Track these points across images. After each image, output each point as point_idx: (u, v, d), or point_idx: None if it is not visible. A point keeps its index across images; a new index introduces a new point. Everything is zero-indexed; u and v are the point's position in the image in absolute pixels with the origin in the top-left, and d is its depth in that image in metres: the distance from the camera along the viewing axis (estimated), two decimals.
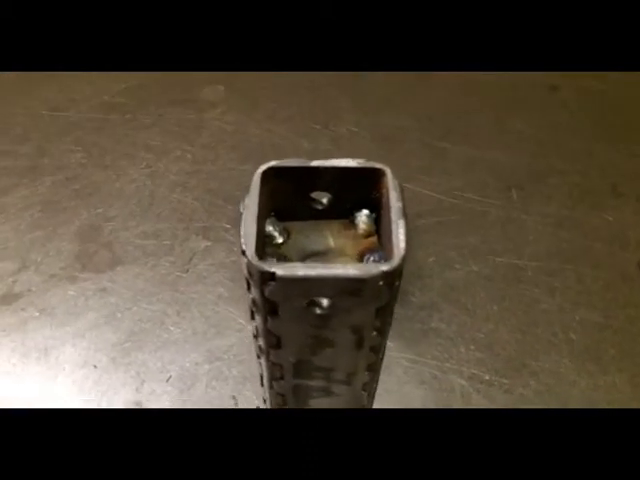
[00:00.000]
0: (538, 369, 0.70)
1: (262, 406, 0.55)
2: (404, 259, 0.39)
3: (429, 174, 0.89)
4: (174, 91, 1.00)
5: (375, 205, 0.48)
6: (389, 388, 0.66)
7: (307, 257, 0.48)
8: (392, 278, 0.40)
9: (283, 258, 0.48)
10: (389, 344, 0.46)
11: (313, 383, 0.48)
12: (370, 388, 0.51)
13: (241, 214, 0.75)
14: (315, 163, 0.46)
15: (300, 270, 0.39)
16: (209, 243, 0.80)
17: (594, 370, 0.70)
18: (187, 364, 0.70)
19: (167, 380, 0.68)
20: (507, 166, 0.90)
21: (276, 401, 0.50)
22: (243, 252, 0.40)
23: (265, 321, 0.44)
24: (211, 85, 1.01)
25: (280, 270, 0.39)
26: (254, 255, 0.40)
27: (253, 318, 0.45)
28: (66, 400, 0.67)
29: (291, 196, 0.48)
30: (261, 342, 0.46)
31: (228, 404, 0.67)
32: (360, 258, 0.47)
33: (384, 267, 0.39)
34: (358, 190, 0.47)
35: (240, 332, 0.71)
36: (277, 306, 0.42)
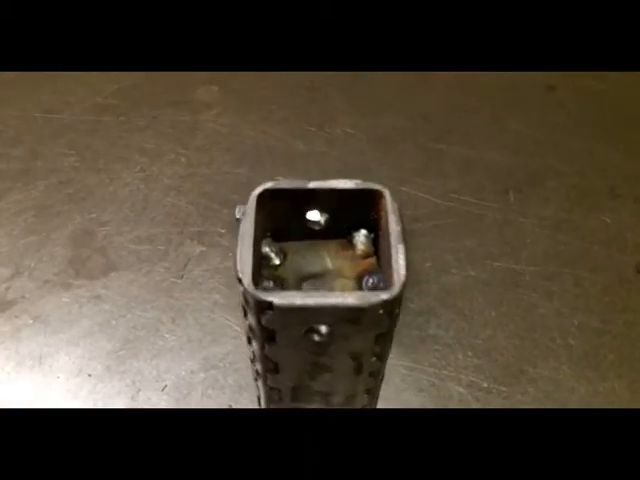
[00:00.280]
0: (536, 376, 0.69)
1: None
2: (404, 286, 0.38)
3: (425, 176, 0.88)
4: (168, 92, 0.99)
5: (373, 225, 0.47)
6: (387, 396, 0.65)
7: (304, 279, 0.47)
8: (392, 306, 0.39)
9: (280, 280, 0.47)
10: None
11: (312, 406, 0.48)
12: (369, 408, 0.51)
13: (237, 219, 0.74)
14: (312, 184, 0.45)
15: (298, 299, 0.38)
16: (204, 248, 0.79)
17: (593, 376, 0.70)
18: (183, 372, 0.69)
19: (163, 389, 0.68)
20: (504, 168, 0.89)
21: None
22: (239, 280, 0.40)
23: (262, 348, 0.43)
24: (205, 86, 1.00)
25: (278, 299, 0.38)
26: (251, 284, 0.39)
27: (250, 343, 0.45)
28: None
29: (288, 216, 0.47)
30: (258, 367, 0.45)
31: None
32: (358, 280, 0.47)
33: (384, 295, 0.38)
34: (356, 211, 0.46)
35: (236, 339, 0.71)
36: (275, 333, 0.42)
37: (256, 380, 0.47)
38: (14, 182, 0.86)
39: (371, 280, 0.46)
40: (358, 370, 0.45)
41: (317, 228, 0.48)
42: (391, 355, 0.60)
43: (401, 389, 0.68)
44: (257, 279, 0.43)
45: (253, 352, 0.45)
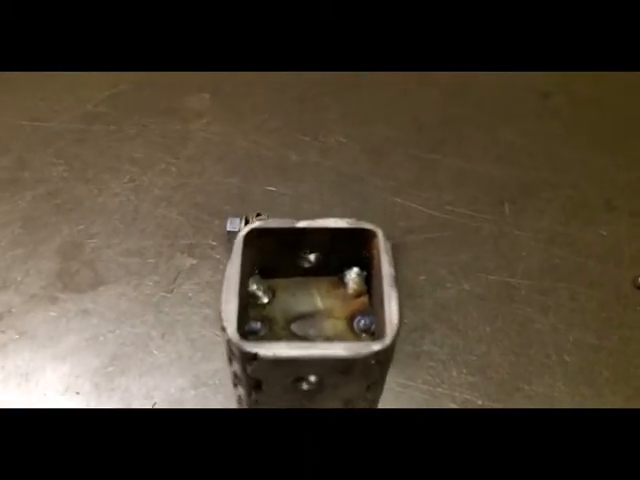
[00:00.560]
0: (532, 393, 0.69)
1: None
2: (397, 334, 0.38)
3: (419, 188, 0.87)
4: (158, 100, 0.98)
5: (366, 262, 0.46)
6: None
7: (293, 319, 0.46)
8: (385, 356, 0.38)
9: (267, 320, 0.46)
10: None
11: None
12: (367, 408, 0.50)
13: (228, 232, 0.73)
14: (302, 224, 0.44)
15: (284, 350, 0.37)
16: (194, 261, 0.78)
17: (588, 393, 0.69)
18: (172, 390, 0.68)
19: (152, 406, 0.67)
20: (499, 179, 0.89)
21: None
22: (223, 329, 0.39)
23: (249, 394, 0.42)
24: (196, 93, 0.99)
25: (263, 350, 0.37)
26: (235, 333, 0.38)
27: (236, 387, 0.44)
28: None
29: (277, 254, 0.46)
30: (245, 406, 0.45)
31: None
32: (350, 321, 0.46)
33: (376, 346, 0.37)
34: (348, 249, 0.45)
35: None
36: (261, 382, 0.41)
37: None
38: (1, 192, 0.85)
39: (363, 321, 0.45)
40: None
41: (307, 265, 0.47)
42: None
43: (394, 407, 0.67)
44: (243, 319, 0.42)
45: (239, 396, 0.44)
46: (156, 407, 0.67)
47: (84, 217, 0.83)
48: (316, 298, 0.47)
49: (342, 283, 0.48)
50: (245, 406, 0.44)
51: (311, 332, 0.45)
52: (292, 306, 0.47)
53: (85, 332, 0.72)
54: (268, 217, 0.73)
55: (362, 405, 0.43)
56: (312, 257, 0.47)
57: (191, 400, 0.67)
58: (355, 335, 0.45)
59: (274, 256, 0.46)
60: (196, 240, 0.80)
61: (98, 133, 0.93)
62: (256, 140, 0.93)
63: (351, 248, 0.45)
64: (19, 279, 0.76)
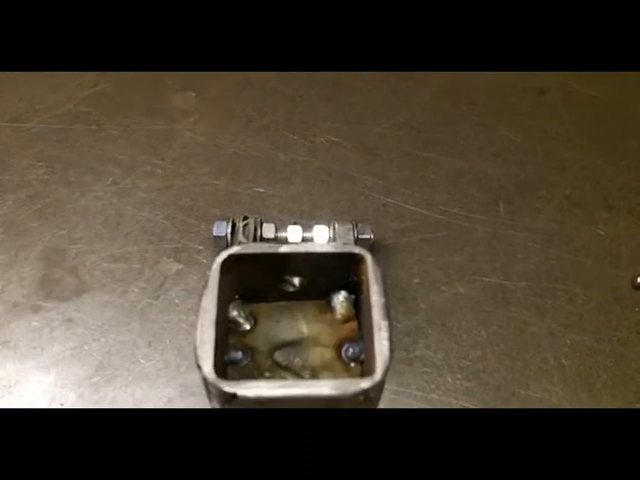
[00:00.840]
0: (528, 398, 0.69)
1: None
2: (388, 368, 0.37)
3: (412, 187, 0.88)
4: (142, 99, 0.98)
5: (354, 285, 0.45)
6: None
7: (277, 347, 0.46)
8: (375, 391, 0.38)
9: (249, 349, 0.45)
10: None
11: None
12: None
13: (215, 237, 0.74)
14: (284, 249, 0.44)
15: (265, 390, 0.37)
16: (181, 266, 0.79)
17: (586, 398, 0.70)
18: (159, 401, 0.68)
19: None
20: (494, 178, 0.89)
21: None
22: (199, 367, 0.38)
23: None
24: (182, 92, 1.00)
25: (242, 390, 0.37)
26: (212, 372, 0.37)
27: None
28: None
29: (258, 279, 0.45)
30: None
31: None
32: (338, 348, 0.45)
33: (365, 384, 0.37)
34: (334, 272, 0.45)
35: None
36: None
37: None
38: None
39: (351, 350, 0.45)
40: None
41: (291, 290, 0.47)
42: None
43: None
44: (223, 348, 0.42)
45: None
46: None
47: (66, 221, 0.83)
48: (301, 324, 0.47)
49: (329, 307, 0.47)
50: None
51: (296, 361, 0.45)
52: (276, 333, 0.46)
53: (69, 341, 0.72)
54: (255, 220, 0.74)
55: None
56: (296, 281, 0.46)
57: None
58: (343, 364, 0.45)
59: (255, 281, 0.45)
60: (182, 244, 0.81)
61: (80, 134, 0.93)
62: (244, 140, 0.93)
63: (338, 271, 0.45)
64: (0, 287, 0.76)
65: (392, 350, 0.37)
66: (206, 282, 0.41)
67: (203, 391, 0.67)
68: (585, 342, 0.74)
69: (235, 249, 0.42)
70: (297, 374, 0.45)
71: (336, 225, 0.73)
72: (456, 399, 0.69)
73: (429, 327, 0.74)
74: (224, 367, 0.42)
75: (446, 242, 0.82)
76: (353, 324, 0.46)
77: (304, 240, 0.72)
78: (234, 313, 0.46)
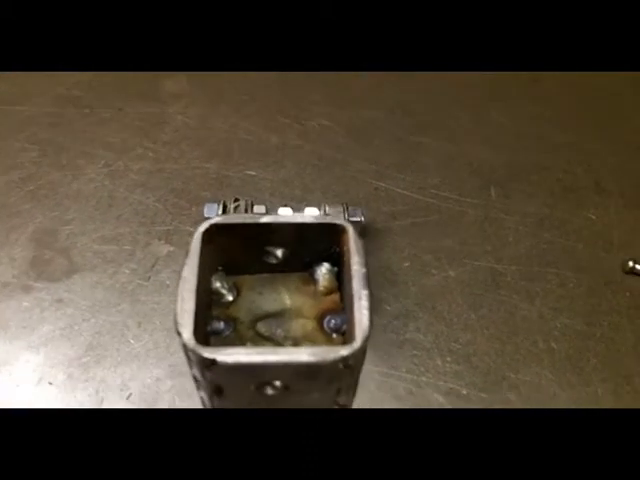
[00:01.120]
0: (518, 382, 0.70)
1: None
2: (367, 339, 0.37)
3: (403, 171, 0.88)
4: (134, 82, 0.98)
5: (337, 258, 0.45)
6: (362, 405, 0.66)
7: (259, 319, 0.46)
8: (354, 360, 0.38)
9: (232, 320, 0.45)
10: None
11: None
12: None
13: (206, 218, 0.74)
14: (266, 219, 0.43)
15: (244, 356, 0.37)
16: (172, 248, 0.79)
17: (576, 381, 0.70)
18: (149, 380, 0.69)
19: (127, 398, 0.67)
20: (486, 162, 0.90)
21: None
22: (178, 333, 0.38)
23: (211, 399, 0.42)
24: (173, 76, 1.00)
25: (221, 356, 0.37)
26: (191, 338, 0.37)
27: (198, 390, 0.43)
28: None
29: (240, 250, 0.45)
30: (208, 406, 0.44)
31: None
32: (320, 320, 0.45)
33: (344, 351, 0.36)
34: (317, 244, 0.45)
35: None
36: (222, 387, 0.40)
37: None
38: None
39: (333, 321, 0.45)
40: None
41: (274, 261, 0.47)
42: (366, 361, 0.60)
43: (376, 397, 0.68)
44: (206, 319, 0.41)
45: (202, 398, 0.44)
46: (131, 397, 0.67)
47: (58, 203, 0.83)
48: (284, 296, 0.47)
49: (312, 280, 0.47)
50: (209, 405, 0.43)
51: (278, 332, 0.45)
52: (259, 305, 0.46)
53: (59, 322, 0.73)
54: (247, 202, 0.74)
55: (333, 408, 0.43)
56: (279, 252, 0.46)
57: (168, 391, 0.68)
58: (325, 335, 0.45)
59: (238, 252, 0.45)
60: (173, 227, 0.81)
61: (72, 117, 0.94)
62: (235, 123, 0.93)
63: (321, 243, 0.45)
64: None
65: (371, 319, 0.37)
66: (187, 252, 0.41)
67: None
68: (575, 326, 0.74)
69: (216, 219, 0.43)
70: (279, 345, 0.45)
71: (327, 207, 0.74)
72: (445, 382, 0.69)
73: (419, 310, 0.74)
74: (206, 337, 0.42)
75: (437, 226, 0.82)
76: (335, 296, 0.46)
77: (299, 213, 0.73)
78: (217, 284, 0.46)
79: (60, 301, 0.74)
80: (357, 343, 0.37)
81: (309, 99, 0.97)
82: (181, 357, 0.68)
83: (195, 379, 0.42)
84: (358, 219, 0.75)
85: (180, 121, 0.94)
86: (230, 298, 0.46)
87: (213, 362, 0.37)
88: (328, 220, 0.43)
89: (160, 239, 0.80)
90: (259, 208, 0.74)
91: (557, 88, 1.00)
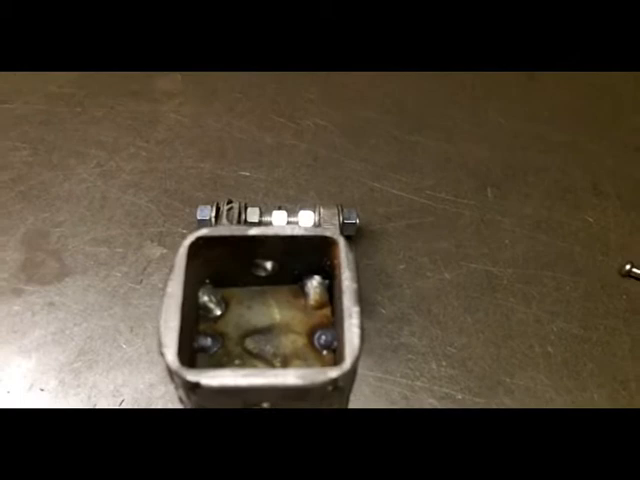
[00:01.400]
0: (513, 386, 0.70)
1: None
2: (358, 358, 0.36)
3: (399, 172, 0.88)
4: (127, 80, 0.98)
5: (328, 270, 0.45)
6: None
7: (248, 334, 0.45)
8: (344, 380, 0.37)
9: (219, 335, 0.45)
10: None
11: None
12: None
13: (199, 220, 0.74)
14: (253, 231, 0.43)
15: (229, 379, 0.36)
16: (165, 250, 0.79)
17: (572, 386, 0.70)
18: (141, 386, 0.69)
19: (120, 404, 0.68)
20: (483, 162, 0.90)
21: None
22: (162, 354, 0.37)
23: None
24: (167, 74, 0.99)
25: (206, 380, 0.36)
26: (175, 360, 0.37)
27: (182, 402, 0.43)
28: None
29: (228, 263, 0.45)
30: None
31: None
32: (310, 336, 0.45)
33: (333, 373, 0.36)
34: (308, 256, 0.44)
35: None
36: (207, 407, 0.40)
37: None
38: None
39: (323, 337, 0.44)
40: None
41: (264, 274, 0.46)
42: (360, 365, 0.60)
43: (371, 402, 0.68)
44: (193, 335, 0.41)
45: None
46: (123, 403, 0.68)
47: (49, 204, 0.83)
48: (274, 310, 0.46)
49: (302, 293, 0.46)
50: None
51: (267, 349, 0.44)
52: (247, 319, 0.45)
53: (51, 326, 0.73)
54: (240, 204, 0.74)
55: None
56: (268, 265, 0.45)
57: (161, 397, 0.68)
58: (316, 352, 0.44)
59: (226, 264, 0.45)
60: (166, 228, 0.81)
61: (63, 115, 0.93)
62: (229, 122, 0.93)
63: (311, 255, 0.44)
64: None
65: (363, 338, 0.37)
66: (172, 266, 0.40)
67: None
68: (572, 330, 0.74)
69: (203, 231, 0.42)
70: (268, 362, 0.44)
71: (321, 210, 0.74)
72: (440, 386, 0.69)
73: (414, 313, 0.74)
74: (193, 355, 0.42)
75: (433, 227, 0.82)
76: (327, 310, 0.45)
77: (289, 224, 0.73)
78: (204, 298, 0.45)
79: (51, 305, 0.74)
80: (347, 364, 0.36)
81: (304, 98, 0.97)
82: None
83: (181, 400, 0.41)
84: (353, 221, 0.75)
85: (173, 119, 0.93)
86: (218, 312, 0.46)
87: (197, 385, 0.36)
88: (319, 232, 0.42)
89: (152, 241, 0.80)
90: (253, 211, 0.74)
91: (554, 88, 1.00)
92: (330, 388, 0.37)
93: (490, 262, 0.79)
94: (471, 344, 0.73)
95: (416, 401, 0.68)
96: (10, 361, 0.70)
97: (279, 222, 0.73)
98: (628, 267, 0.78)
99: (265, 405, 0.39)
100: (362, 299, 0.41)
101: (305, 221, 0.73)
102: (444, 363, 0.71)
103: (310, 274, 0.46)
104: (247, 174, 0.86)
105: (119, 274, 0.77)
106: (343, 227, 0.74)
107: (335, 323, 0.44)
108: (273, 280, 0.47)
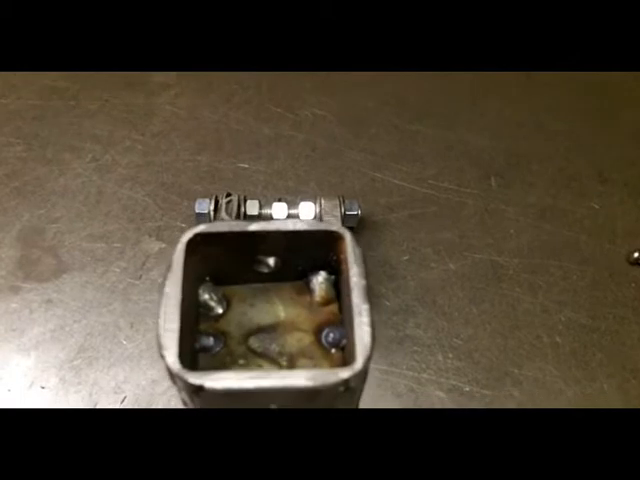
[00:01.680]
0: (522, 377, 0.70)
1: None
2: (369, 359, 0.35)
3: (400, 161, 0.88)
4: (121, 72, 0.98)
5: (334, 265, 0.43)
6: (362, 404, 0.66)
7: (251, 333, 0.44)
8: (356, 381, 0.36)
9: (221, 335, 0.44)
10: None
11: None
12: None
13: (197, 214, 0.74)
14: (254, 227, 0.41)
15: (235, 381, 0.35)
16: (163, 245, 0.79)
17: (581, 377, 0.70)
18: (143, 382, 0.69)
19: (122, 401, 0.68)
20: (485, 151, 0.90)
21: None
22: (162, 356, 0.36)
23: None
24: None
25: (209, 382, 0.35)
26: (176, 361, 0.36)
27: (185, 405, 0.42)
28: None
29: (229, 259, 0.43)
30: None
31: None
32: (317, 333, 0.43)
33: (344, 374, 0.35)
34: (312, 251, 0.43)
35: None
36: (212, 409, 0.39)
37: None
38: None
39: (331, 335, 0.43)
40: None
41: (266, 270, 0.45)
42: None
43: (377, 395, 0.68)
44: (194, 334, 0.40)
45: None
46: (125, 400, 0.67)
47: (45, 200, 0.83)
48: (278, 307, 0.45)
49: (307, 289, 0.45)
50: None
51: (272, 348, 0.43)
52: (250, 317, 0.44)
53: (49, 323, 0.73)
54: (239, 197, 0.74)
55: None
56: (271, 261, 0.44)
57: (163, 394, 0.68)
58: (323, 350, 0.43)
59: (226, 261, 0.44)
60: (164, 222, 0.81)
61: (57, 109, 0.93)
62: (226, 113, 0.93)
63: (316, 250, 0.43)
64: None
65: (374, 336, 0.36)
66: (169, 265, 0.39)
67: None
68: (580, 319, 0.74)
69: (200, 228, 0.41)
70: (273, 361, 0.43)
71: (322, 201, 0.74)
72: (447, 379, 0.69)
73: (419, 305, 0.74)
74: (194, 355, 0.41)
75: (436, 218, 0.82)
76: (334, 307, 0.44)
77: (290, 217, 0.73)
78: (205, 297, 0.44)
79: (49, 302, 0.74)
80: (358, 364, 0.35)
81: (301, 87, 0.97)
82: None
83: (184, 403, 0.41)
84: (355, 212, 0.75)
85: (169, 112, 0.93)
86: (220, 310, 0.45)
87: (201, 388, 0.35)
88: (323, 227, 0.41)
89: (150, 236, 0.79)
90: (252, 203, 0.73)
91: (553, 85, 1.00)
92: (341, 389, 0.36)
93: (495, 252, 0.79)
94: (477, 335, 0.73)
95: (423, 394, 0.68)
96: (9, 359, 0.70)
97: (279, 214, 0.73)
98: (637, 255, 0.78)
99: (272, 406, 0.38)
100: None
101: (306, 213, 0.73)
102: (450, 355, 0.71)
103: (315, 270, 0.45)
104: (245, 166, 0.86)
105: (117, 270, 0.76)
106: (345, 219, 0.74)
107: (343, 320, 0.43)
108: (276, 277, 0.45)
